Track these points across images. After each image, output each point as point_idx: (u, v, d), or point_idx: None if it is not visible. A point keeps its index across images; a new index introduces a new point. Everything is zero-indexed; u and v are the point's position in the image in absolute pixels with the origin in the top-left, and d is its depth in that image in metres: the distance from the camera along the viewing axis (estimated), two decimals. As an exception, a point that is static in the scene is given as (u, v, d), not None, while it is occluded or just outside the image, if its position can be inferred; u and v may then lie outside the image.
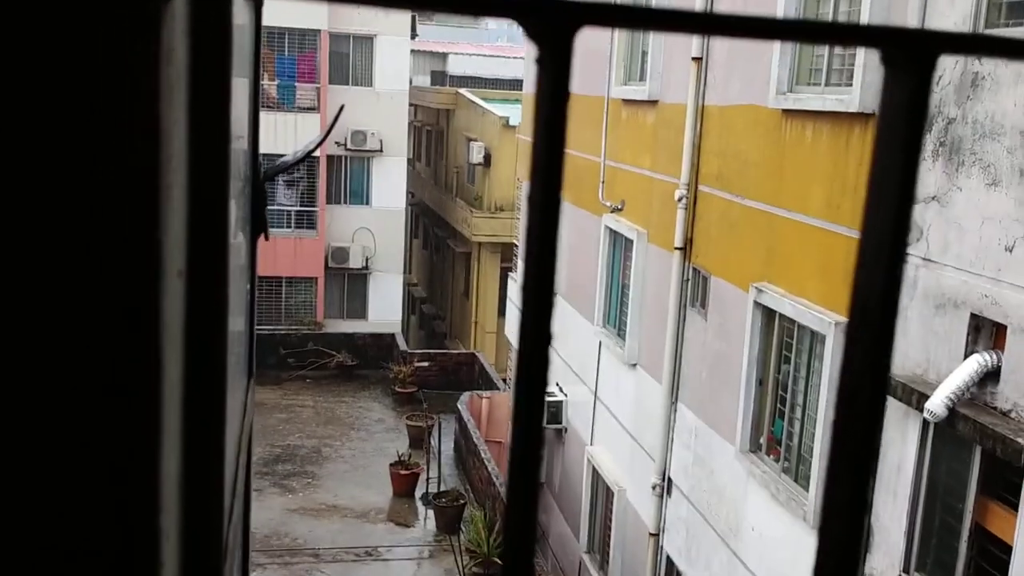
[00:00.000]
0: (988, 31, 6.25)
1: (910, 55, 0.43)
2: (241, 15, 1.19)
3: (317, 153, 24.72)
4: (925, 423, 6.52)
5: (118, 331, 0.48)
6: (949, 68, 6.47)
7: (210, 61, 0.68)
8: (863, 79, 7.28)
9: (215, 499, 0.80)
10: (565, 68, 0.39)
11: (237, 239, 1.29)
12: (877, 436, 0.45)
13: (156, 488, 0.52)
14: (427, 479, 17.24)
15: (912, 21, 6.78)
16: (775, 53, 8.57)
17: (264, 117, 25.85)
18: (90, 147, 0.45)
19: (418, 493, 17.50)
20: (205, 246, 0.70)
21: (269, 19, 23.71)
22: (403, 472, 17.43)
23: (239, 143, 1.34)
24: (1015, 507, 5.89)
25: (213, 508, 0.78)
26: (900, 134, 0.43)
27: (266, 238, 1.66)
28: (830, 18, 8.06)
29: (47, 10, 0.43)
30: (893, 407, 6.93)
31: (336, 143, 25.46)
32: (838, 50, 8.02)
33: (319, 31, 24.81)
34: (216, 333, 0.77)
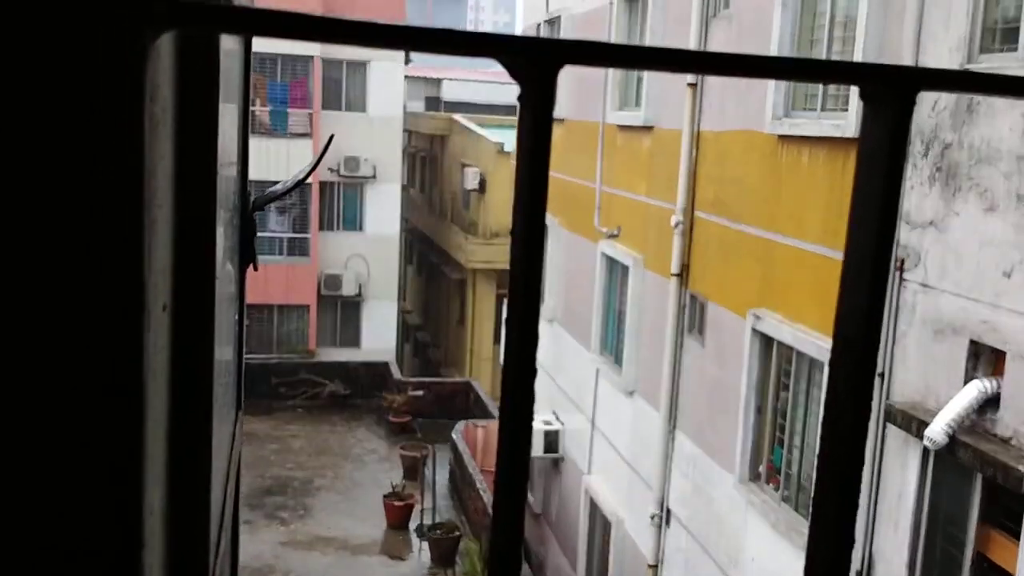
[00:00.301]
0: (983, 55, 6.25)
1: (889, 92, 0.43)
2: (230, 42, 1.17)
3: (310, 180, 24.73)
4: (925, 451, 6.45)
5: (100, 366, 0.47)
6: (944, 93, 6.47)
7: (197, 98, 0.68)
8: (859, 104, 7.28)
9: (201, 533, 0.76)
10: (547, 106, 0.40)
11: (225, 269, 1.26)
12: (860, 458, 0.47)
13: (139, 521, 0.52)
14: (421, 510, 17.08)
15: (907, 46, 6.79)
16: (770, 79, 8.58)
17: (256, 143, 25.89)
18: (73, 182, 0.45)
19: (412, 525, 17.33)
20: (192, 280, 0.69)
21: (262, 45, 23.84)
22: (397, 503, 17.27)
23: (228, 171, 1.30)
24: (1017, 536, 5.81)
25: (199, 542, 0.75)
26: (880, 168, 0.44)
27: (255, 268, 1.62)
28: (825, 43, 8.08)
29: (34, 47, 0.43)
30: (893, 434, 6.86)
31: (329, 169, 25.48)
32: (833, 76, 8.04)
33: (312, 57, 24.91)
34: (202, 367, 0.73)
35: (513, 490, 0.42)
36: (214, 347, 0.78)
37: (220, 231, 1.02)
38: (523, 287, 0.42)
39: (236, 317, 1.58)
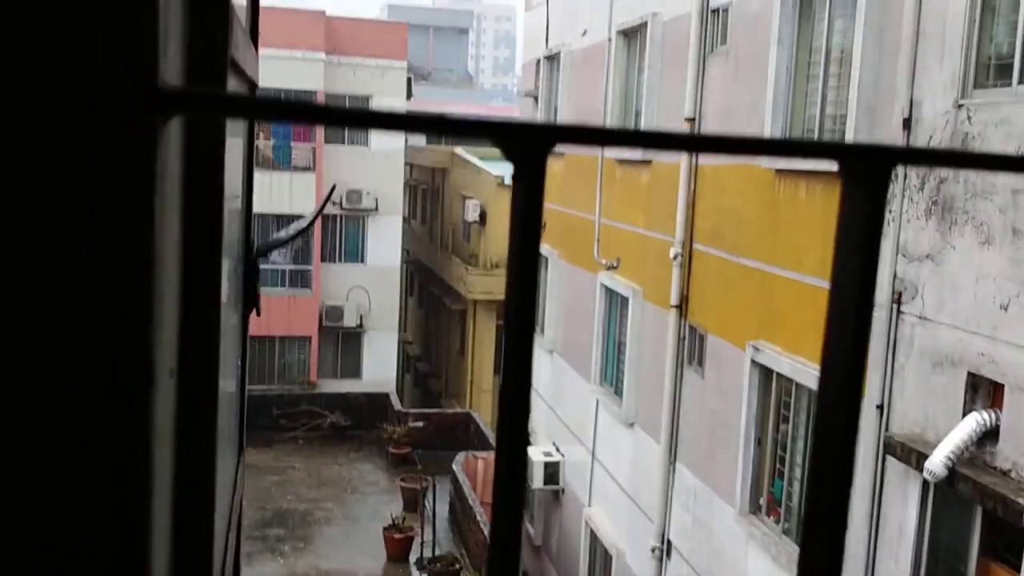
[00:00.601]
0: (977, 91, 6.34)
1: (866, 168, 0.45)
2: (234, 87, 1.21)
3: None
4: (925, 483, 6.45)
5: (108, 431, 0.48)
6: (940, 128, 6.55)
7: (203, 167, 0.71)
8: (855, 138, 7.37)
9: None
10: (539, 184, 0.42)
11: (229, 317, 1.29)
12: (848, 490, 0.47)
13: None
14: (421, 543, 16.97)
15: (902, 80, 6.88)
16: (768, 111, 8.68)
17: (260, 176, 25.98)
18: (83, 267, 0.46)
19: (412, 557, 17.21)
20: (197, 347, 0.71)
21: (265, 80, 24.03)
22: (397, 536, 17.17)
23: (233, 221, 1.34)
24: (1017, 568, 5.81)
25: None
26: (858, 241, 0.46)
27: (258, 314, 1.65)
28: (821, 77, 8.18)
29: (49, 125, 0.44)
30: (892, 466, 6.87)
31: (332, 202, 25.60)
32: (830, 110, 8.13)
33: (315, 92, 25.12)
34: (206, 426, 0.77)
35: (510, 518, 0.43)
36: (217, 406, 0.80)
37: (224, 280, 1.05)
38: (515, 361, 0.43)
39: (239, 363, 1.61)
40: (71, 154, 0.44)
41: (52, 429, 0.47)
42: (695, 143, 0.48)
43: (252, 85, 1.46)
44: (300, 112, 0.42)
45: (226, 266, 1.15)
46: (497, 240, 24.85)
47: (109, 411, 0.47)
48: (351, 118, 0.43)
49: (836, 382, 0.47)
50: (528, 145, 0.42)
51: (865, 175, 0.46)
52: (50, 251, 0.45)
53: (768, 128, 8.66)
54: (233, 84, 0.99)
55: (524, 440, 0.45)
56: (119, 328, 0.46)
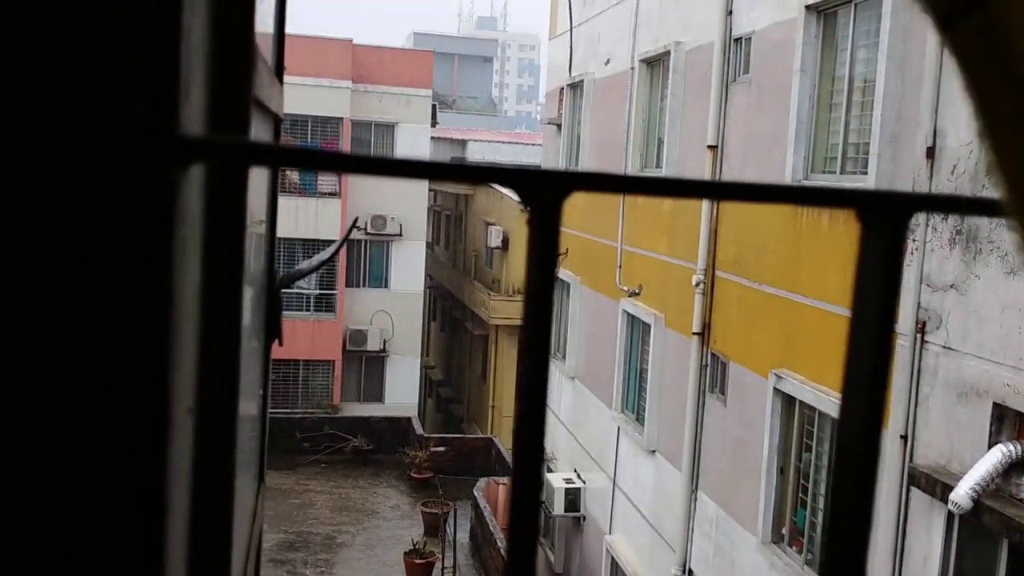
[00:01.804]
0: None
1: (883, 215, 0.46)
2: (260, 135, 1.23)
3: (337, 238, 25.00)
4: (950, 515, 6.37)
5: (124, 467, 0.49)
6: (964, 157, 6.53)
7: (226, 218, 0.71)
8: (878, 167, 7.35)
9: None
10: (555, 230, 0.43)
11: (251, 348, 1.30)
12: (869, 519, 0.47)
13: None
14: (442, 568, 16.90)
15: (925, 110, 6.87)
16: (790, 140, 8.68)
17: (286, 202, 26.05)
18: (103, 304, 0.47)
19: (433, 582, 17.13)
20: (216, 384, 0.72)
21: (292, 107, 24.31)
22: (418, 561, 17.11)
23: (257, 252, 1.37)
24: (1047, 603, 5.71)
25: None
26: (876, 287, 0.46)
27: (280, 344, 1.68)
28: (844, 107, 8.18)
29: (69, 174, 0.45)
30: (917, 498, 6.79)
31: (357, 228, 25.77)
32: (853, 139, 8.13)
33: (341, 119, 25.38)
34: (224, 466, 0.78)
35: (525, 548, 0.43)
36: (236, 442, 0.82)
37: (247, 311, 1.07)
38: (530, 398, 0.43)
39: (260, 392, 1.63)
40: (91, 202, 0.46)
41: (70, 472, 0.48)
42: (712, 190, 0.49)
43: (277, 120, 1.50)
44: (318, 160, 0.44)
45: (249, 296, 1.17)
46: (519, 266, 24.88)
47: (126, 455, 0.48)
48: (369, 165, 0.45)
49: (854, 426, 0.47)
50: (545, 192, 0.43)
51: (883, 223, 0.46)
52: (69, 297, 0.46)
53: (790, 157, 8.66)
54: (257, 122, 1.02)
55: (538, 473, 0.46)
56: (136, 373, 0.48)
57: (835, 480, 0.49)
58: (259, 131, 1.10)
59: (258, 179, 1.27)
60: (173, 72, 0.45)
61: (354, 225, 3.36)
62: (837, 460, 0.49)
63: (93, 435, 0.48)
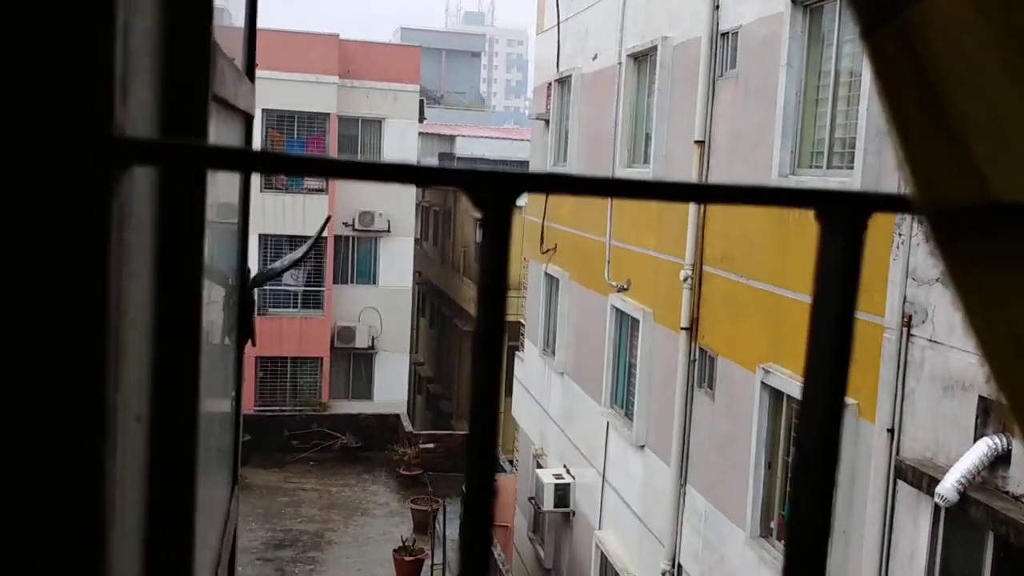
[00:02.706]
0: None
1: (842, 215, 0.46)
2: (229, 135, 1.21)
3: (325, 233, 24.94)
4: (937, 508, 6.40)
5: (57, 478, 0.48)
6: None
7: (180, 222, 0.70)
8: (864, 161, 7.37)
9: None
10: (505, 230, 0.43)
11: (222, 348, 1.28)
12: (830, 506, 0.47)
13: None
14: (432, 565, 16.91)
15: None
16: (777, 135, 8.69)
17: (273, 199, 25.98)
18: (35, 307, 0.46)
19: (422, 579, 17.14)
20: (172, 390, 0.71)
21: (279, 103, 24.26)
22: (407, 558, 17.11)
23: (228, 254, 1.35)
24: (1033, 595, 5.74)
25: None
26: (836, 286, 0.46)
27: (253, 344, 1.66)
28: (830, 101, 8.19)
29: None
30: (904, 491, 6.81)
31: (344, 224, 25.72)
32: (839, 133, 8.14)
33: (328, 114, 25.31)
34: (183, 473, 0.76)
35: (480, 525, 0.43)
36: (196, 450, 0.80)
37: (216, 312, 1.05)
38: (481, 399, 0.43)
39: (233, 394, 1.61)
40: (18, 204, 0.45)
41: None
42: (668, 191, 0.48)
43: (247, 118, 1.48)
44: (262, 162, 0.43)
45: (218, 296, 1.15)
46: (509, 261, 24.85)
47: (60, 465, 0.47)
48: (314, 166, 0.44)
49: (815, 427, 0.47)
50: (496, 194, 0.43)
51: (841, 222, 0.46)
52: None
53: (777, 152, 8.67)
54: (222, 120, 1.00)
55: (492, 470, 0.46)
56: (70, 380, 0.47)
57: (795, 480, 0.48)
58: (224, 130, 1.08)
59: (228, 179, 1.25)
60: (106, 71, 0.44)
61: (326, 223, 3.37)
62: (797, 462, 0.48)
63: (21, 445, 0.47)
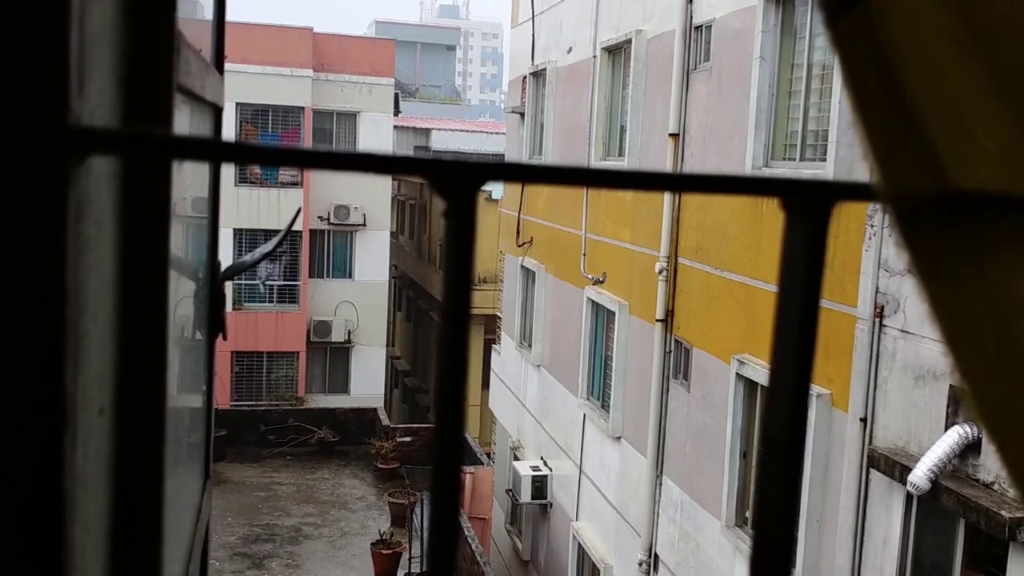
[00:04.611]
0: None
1: (808, 204, 0.46)
2: (198, 128, 1.20)
3: (300, 228, 24.83)
4: (909, 496, 6.48)
5: (18, 483, 0.47)
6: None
7: (143, 213, 0.69)
8: (837, 153, 7.43)
9: None
10: (470, 219, 0.43)
11: (193, 342, 1.27)
12: (797, 487, 0.47)
13: None
14: (410, 558, 16.90)
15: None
16: (750, 128, 8.74)
17: (248, 192, 25.78)
18: None
19: (400, 573, 17.13)
20: (137, 383, 0.70)
21: (253, 96, 24.10)
22: (385, 552, 17.09)
23: (198, 244, 1.34)
24: (1002, 581, 5.83)
25: None
26: (801, 274, 0.46)
27: (224, 338, 1.65)
28: (803, 94, 8.25)
29: None
30: (876, 480, 6.89)
31: (319, 217, 25.60)
32: (812, 126, 8.20)
33: (303, 108, 25.15)
34: (152, 465, 0.76)
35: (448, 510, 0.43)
36: (163, 449, 0.79)
37: (186, 305, 1.04)
38: (448, 394, 0.43)
39: (205, 388, 1.60)
40: None
41: None
42: (634, 180, 0.49)
43: (217, 110, 1.47)
44: (224, 151, 0.43)
45: (188, 290, 1.14)
46: (485, 255, 24.86)
47: (16, 455, 0.46)
48: (276, 156, 0.44)
49: (782, 411, 0.47)
50: (459, 183, 0.43)
51: (807, 211, 0.46)
52: None
53: (751, 144, 8.72)
54: (188, 112, 0.99)
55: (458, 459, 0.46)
56: (26, 371, 0.46)
57: (760, 467, 0.49)
58: (192, 122, 1.08)
59: (197, 171, 1.24)
60: (60, 57, 0.43)
61: (296, 215, 3.35)
62: (763, 447, 0.49)
63: None
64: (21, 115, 0.42)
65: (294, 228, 24.58)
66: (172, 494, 0.89)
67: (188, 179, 1.08)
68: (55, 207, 0.44)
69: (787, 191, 0.47)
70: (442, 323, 0.45)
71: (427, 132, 37.55)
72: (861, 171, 7.19)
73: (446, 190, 0.43)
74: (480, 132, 37.06)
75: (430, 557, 0.45)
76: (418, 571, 16.58)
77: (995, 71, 0.40)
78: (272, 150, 0.42)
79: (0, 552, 0.47)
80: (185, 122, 0.95)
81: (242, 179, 24.29)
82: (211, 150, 0.41)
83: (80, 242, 0.50)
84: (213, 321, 1.54)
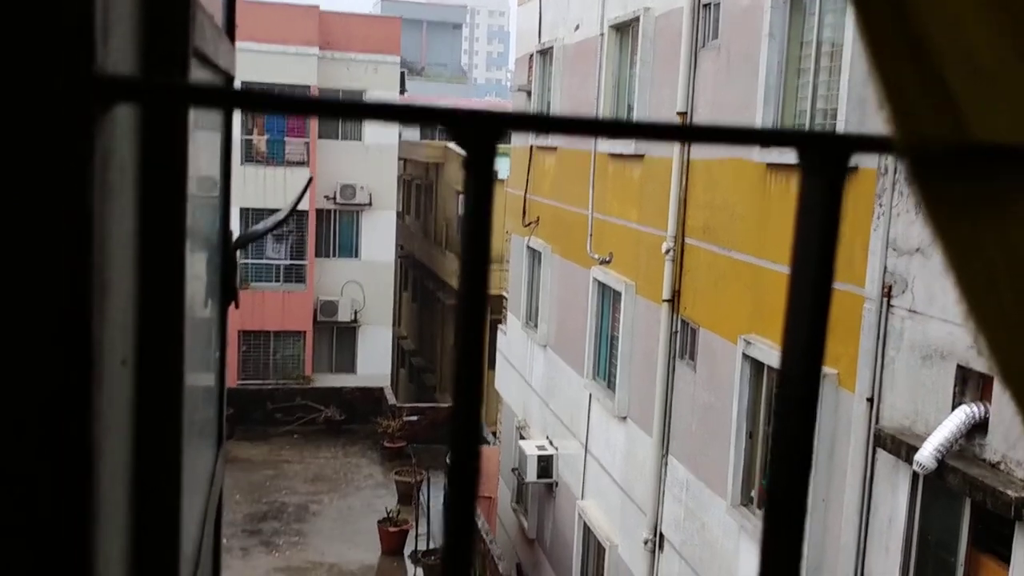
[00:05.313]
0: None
1: (825, 156, 0.46)
2: (208, 78, 1.20)
3: (307, 207, 24.82)
4: (915, 475, 6.48)
5: (47, 420, 0.48)
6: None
7: (162, 163, 0.70)
8: (846, 131, 7.38)
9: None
10: (489, 170, 0.43)
11: (207, 307, 1.28)
12: (808, 464, 0.47)
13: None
14: (416, 536, 17.01)
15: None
16: (759, 105, 8.69)
17: (254, 171, 25.76)
18: (14, 253, 0.46)
19: (407, 550, 17.25)
20: (156, 336, 0.71)
21: (259, 75, 24.01)
22: (392, 529, 17.20)
23: (208, 211, 1.34)
24: (1006, 559, 5.84)
25: None
26: (817, 229, 0.46)
27: (236, 306, 1.66)
28: (812, 71, 8.19)
29: None
30: (883, 459, 6.90)
31: (325, 197, 25.58)
32: (821, 104, 8.15)
33: (309, 87, 25.07)
34: (171, 416, 0.76)
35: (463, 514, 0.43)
36: (182, 396, 0.80)
37: (200, 269, 1.05)
38: (465, 347, 0.43)
39: (218, 354, 1.61)
40: (4, 142, 0.44)
41: None
42: (651, 131, 0.48)
43: (228, 78, 1.47)
44: (242, 100, 0.43)
45: (201, 257, 1.15)
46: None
47: (47, 397, 0.47)
48: (294, 105, 0.43)
49: (795, 376, 0.47)
50: (478, 133, 0.43)
51: (823, 164, 0.46)
52: None
53: (759, 122, 8.68)
54: (202, 76, 0.99)
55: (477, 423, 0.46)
56: (55, 311, 0.47)
57: (777, 421, 0.48)
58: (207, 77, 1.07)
59: (209, 144, 1.24)
60: (87, 11, 0.43)
61: (309, 183, 3.36)
62: (779, 402, 0.48)
63: (7, 381, 0.47)
64: (51, 63, 0.42)
65: (300, 208, 24.58)
66: (188, 456, 0.89)
67: (201, 149, 1.08)
68: (83, 152, 0.44)
69: (803, 143, 0.47)
70: (462, 272, 0.45)
71: (433, 111, 37.31)
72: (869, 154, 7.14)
73: (467, 140, 0.43)
74: (442, 104, 36.89)
75: (447, 542, 0.45)
76: (424, 548, 16.69)
77: (1012, 18, 0.40)
78: (287, 99, 0.43)
79: (32, 489, 0.48)
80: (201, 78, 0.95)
81: (248, 158, 24.27)
82: (228, 98, 0.41)
83: (105, 191, 0.50)
84: (226, 288, 1.55)
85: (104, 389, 0.52)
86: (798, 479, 0.47)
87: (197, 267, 1.08)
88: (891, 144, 0.45)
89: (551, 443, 14.59)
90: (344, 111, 0.43)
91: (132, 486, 0.66)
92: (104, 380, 0.52)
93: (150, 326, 0.68)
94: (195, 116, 0.87)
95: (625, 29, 12.21)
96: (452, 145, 30.15)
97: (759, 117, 8.68)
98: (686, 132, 0.47)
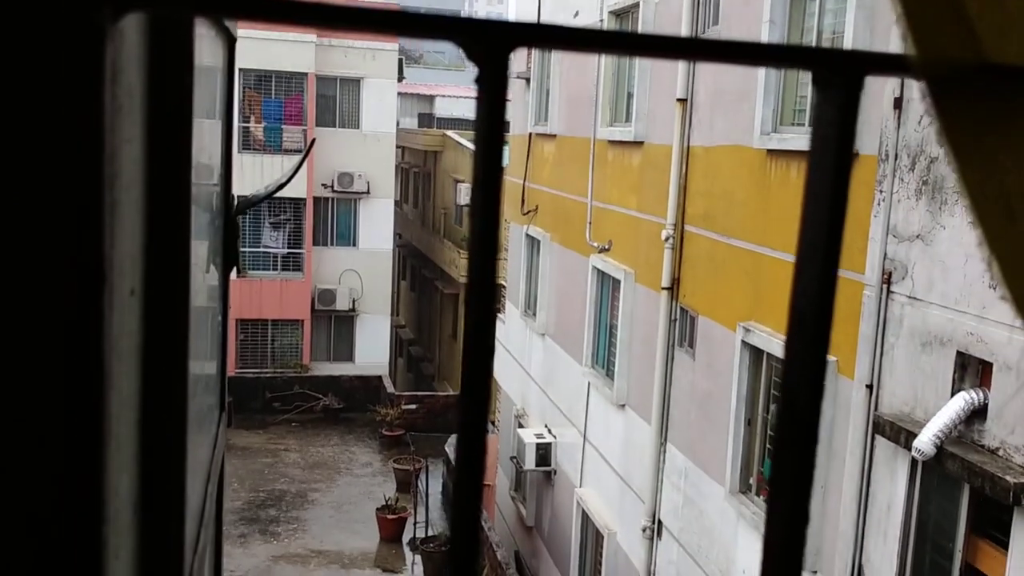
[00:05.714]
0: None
1: (838, 75, 0.45)
2: (212, 56, 1.18)
3: (304, 195, 24.77)
4: (914, 462, 6.49)
5: (59, 343, 0.47)
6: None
7: (170, 80, 0.68)
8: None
9: (176, 521, 0.77)
10: (501, 85, 0.42)
11: (209, 273, 1.27)
12: (814, 443, 0.48)
13: (100, 502, 0.51)
14: (415, 523, 17.04)
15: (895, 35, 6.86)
16: (759, 94, 8.67)
17: (251, 159, 25.71)
18: (29, 159, 0.45)
19: (406, 538, 17.28)
20: (163, 266, 0.70)
21: (256, 62, 23.94)
22: (390, 517, 17.23)
23: (211, 176, 1.33)
24: (1005, 546, 5.85)
25: (173, 529, 0.76)
26: (832, 151, 0.45)
27: (239, 272, 1.65)
28: (815, 32, 8.15)
29: None
30: (882, 445, 6.90)
31: (323, 185, 25.52)
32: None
33: (306, 74, 24.99)
34: (177, 354, 0.75)
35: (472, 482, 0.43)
36: (188, 335, 0.79)
37: (204, 231, 1.04)
38: (479, 275, 0.42)
39: (220, 318, 1.60)
40: (14, 50, 0.43)
41: None
42: (667, 45, 0.46)
43: (230, 41, 1.45)
44: (251, 6, 0.41)
45: (205, 220, 1.13)
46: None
47: (58, 312, 0.46)
48: (303, 12, 0.41)
49: (808, 299, 0.47)
50: (491, 44, 0.41)
51: (836, 81, 0.45)
52: None
53: (760, 109, 8.65)
54: (205, 34, 0.97)
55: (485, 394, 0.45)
56: (66, 225, 0.46)
57: (784, 383, 0.47)
58: (208, 49, 1.06)
59: (210, 128, 1.22)
60: None
61: (311, 145, 3.35)
62: (785, 367, 0.48)
63: (19, 299, 0.46)
64: None
65: (298, 196, 24.52)
66: (191, 422, 0.88)
67: (203, 133, 1.07)
68: (94, 61, 0.43)
69: (816, 61, 0.46)
70: (473, 196, 0.43)
71: (431, 99, 37.31)
72: (871, 134, 7.13)
73: (478, 52, 0.41)
74: (450, 12, 36.89)
75: (452, 531, 0.44)
76: (423, 535, 16.72)
77: None
78: (305, 6, 0.41)
79: (44, 409, 0.47)
80: (202, 46, 0.93)
81: (246, 146, 24.21)
82: (236, 5, 0.40)
83: (114, 107, 0.49)
84: (228, 253, 1.53)
85: (115, 312, 0.51)
86: (803, 461, 0.47)
87: (200, 231, 1.07)
88: (907, 63, 0.44)
89: (550, 431, 14.61)
90: (352, 20, 0.41)
91: (138, 415, 0.65)
92: (115, 307, 0.51)
93: (157, 258, 0.66)
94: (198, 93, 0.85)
95: (625, 15, 12.17)
96: (450, 133, 30.00)
97: (759, 105, 8.66)
98: (699, 47, 0.46)
